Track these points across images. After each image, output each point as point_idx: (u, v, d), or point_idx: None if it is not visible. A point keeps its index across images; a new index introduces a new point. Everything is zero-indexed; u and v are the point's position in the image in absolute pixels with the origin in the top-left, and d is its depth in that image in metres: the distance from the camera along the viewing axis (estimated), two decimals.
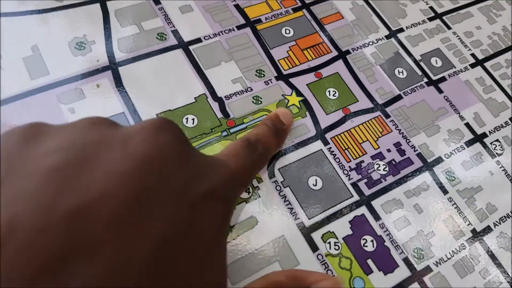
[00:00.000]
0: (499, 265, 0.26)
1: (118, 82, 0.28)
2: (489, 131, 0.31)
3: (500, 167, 0.29)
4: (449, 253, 0.26)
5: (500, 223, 0.28)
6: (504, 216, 0.28)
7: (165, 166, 0.15)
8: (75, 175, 0.13)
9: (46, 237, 0.12)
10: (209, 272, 0.16)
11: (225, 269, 0.18)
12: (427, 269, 0.25)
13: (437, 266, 0.25)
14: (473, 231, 0.27)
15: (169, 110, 0.28)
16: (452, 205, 0.27)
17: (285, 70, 0.31)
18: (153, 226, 0.14)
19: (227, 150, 0.22)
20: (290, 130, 0.28)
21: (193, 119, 0.28)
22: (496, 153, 0.30)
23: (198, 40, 0.31)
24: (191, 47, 0.30)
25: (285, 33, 0.32)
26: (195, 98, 0.29)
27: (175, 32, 0.31)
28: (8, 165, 0.14)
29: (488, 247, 0.27)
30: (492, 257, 0.26)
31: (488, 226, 0.27)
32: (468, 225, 0.27)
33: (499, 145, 0.30)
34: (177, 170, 0.16)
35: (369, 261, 0.25)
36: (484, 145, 0.30)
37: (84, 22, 0.30)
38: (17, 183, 0.13)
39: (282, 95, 0.30)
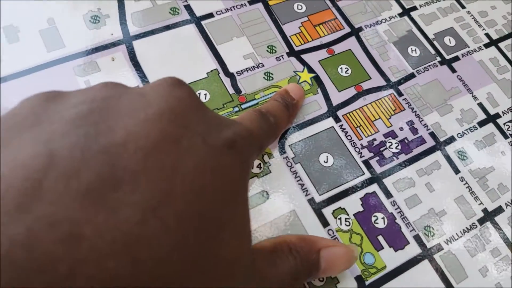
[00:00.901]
0: (510, 245, 0.26)
1: (132, 56, 0.28)
2: (502, 112, 0.30)
3: None
4: (460, 231, 0.26)
5: (511, 204, 0.27)
6: None
7: (185, 115, 0.16)
8: (101, 120, 0.14)
9: (87, 167, 0.12)
10: (234, 213, 0.16)
11: (248, 217, 0.18)
12: (438, 247, 0.25)
13: (448, 244, 0.25)
14: (485, 210, 0.27)
15: None
16: (464, 184, 0.27)
17: (297, 46, 0.30)
18: (186, 161, 0.14)
19: (240, 117, 0.22)
20: (301, 105, 0.28)
21: (205, 94, 0.28)
22: (509, 133, 0.30)
23: (210, 15, 0.30)
24: (203, 22, 0.30)
25: (297, 8, 0.32)
26: (207, 73, 0.28)
27: (188, 7, 0.30)
28: (35, 116, 0.14)
29: (500, 227, 0.26)
30: (503, 237, 0.26)
31: (500, 207, 0.27)
32: (479, 204, 0.27)
33: None
34: (197, 119, 0.16)
35: (380, 238, 0.25)
36: (497, 126, 0.30)
37: None
38: (47, 128, 0.13)
39: (294, 71, 0.29)
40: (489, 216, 0.27)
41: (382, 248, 0.25)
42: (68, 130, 0.13)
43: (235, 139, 0.17)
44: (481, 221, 0.26)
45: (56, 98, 0.15)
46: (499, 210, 0.27)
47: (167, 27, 0.29)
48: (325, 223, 0.25)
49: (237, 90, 0.28)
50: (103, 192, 0.12)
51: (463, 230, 0.26)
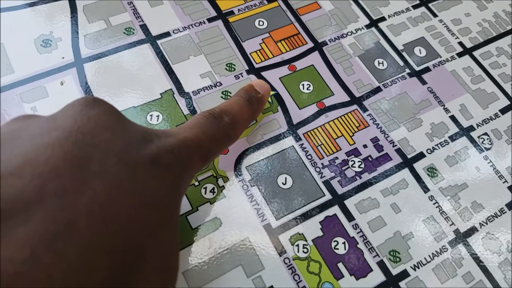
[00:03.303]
0: (484, 269, 0.24)
1: (82, 79, 0.27)
2: (476, 124, 0.29)
3: (488, 163, 0.27)
4: (429, 256, 0.24)
5: (486, 223, 0.25)
6: (492, 216, 0.26)
7: (96, 134, 0.14)
8: (2, 151, 0.13)
9: None
10: (158, 242, 0.15)
11: (175, 247, 0.16)
12: (404, 274, 0.23)
13: (415, 270, 0.24)
14: (456, 231, 0.25)
15: (133, 107, 0.27)
16: (434, 204, 0.26)
17: (257, 64, 0.29)
18: (94, 184, 0.13)
19: (185, 123, 0.20)
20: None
21: (157, 116, 0.27)
22: (484, 147, 0.28)
23: (167, 34, 0.30)
24: (159, 41, 0.29)
25: (259, 24, 0.31)
26: (160, 94, 0.27)
27: (143, 27, 0.30)
28: None
29: (473, 250, 0.25)
30: (477, 260, 0.24)
31: (474, 227, 0.25)
32: (450, 225, 0.25)
33: (487, 139, 0.28)
34: (112, 137, 0.15)
35: (340, 265, 0.23)
36: (471, 139, 0.28)
37: (51, 19, 0.29)
38: None
39: None
40: (461, 237, 0.25)
41: (343, 276, 0.23)
42: None
43: (160, 154, 0.16)
44: (453, 243, 0.25)
45: None
46: (472, 230, 0.25)
47: (121, 48, 0.28)
48: (281, 251, 0.23)
49: (192, 111, 0.27)
50: None
51: (432, 254, 0.24)
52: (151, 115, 0.26)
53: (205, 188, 0.25)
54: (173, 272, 0.16)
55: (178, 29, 0.30)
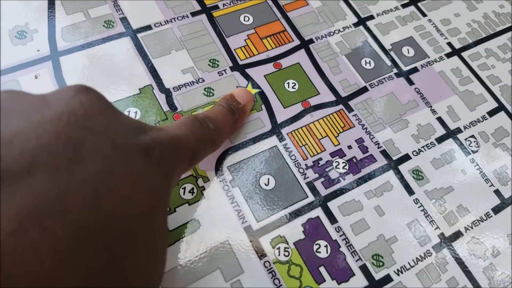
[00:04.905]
0: (469, 274, 0.24)
1: (58, 72, 0.26)
2: (463, 126, 0.28)
3: (475, 166, 0.27)
4: (413, 260, 0.23)
5: (472, 227, 0.25)
6: (477, 220, 0.25)
7: (90, 118, 0.14)
8: None
9: None
10: (150, 230, 0.14)
11: (165, 239, 0.16)
12: (387, 279, 0.23)
13: (398, 275, 0.23)
14: (441, 236, 0.24)
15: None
16: (419, 207, 0.25)
17: (241, 60, 0.28)
18: (87, 165, 0.12)
19: (172, 123, 0.20)
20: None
21: (135, 112, 0.26)
22: (471, 150, 0.27)
23: (148, 28, 0.28)
24: (139, 35, 0.28)
25: (244, 20, 0.30)
26: (139, 89, 0.26)
27: (124, 20, 0.29)
28: None
29: (458, 254, 0.24)
30: (462, 265, 0.24)
31: (459, 231, 0.25)
32: (435, 229, 0.25)
33: (474, 141, 0.28)
34: (106, 123, 0.14)
35: (322, 269, 0.22)
36: (458, 142, 0.28)
37: (27, 10, 0.28)
38: None
39: (237, 86, 0.27)
40: (446, 241, 0.24)
41: (324, 281, 0.22)
42: None
43: (153, 146, 0.15)
44: (437, 247, 0.24)
45: None
46: (457, 235, 0.25)
47: (99, 41, 0.27)
48: (262, 254, 0.22)
49: (173, 107, 0.26)
50: None
51: (416, 258, 0.24)
52: (129, 111, 0.25)
53: (184, 188, 0.24)
54: (161, 265, 0.16)
55: (160, 22, 0.29)
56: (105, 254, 0.12)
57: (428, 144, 0.27)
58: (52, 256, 0.11)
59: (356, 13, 0.32)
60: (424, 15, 0.33)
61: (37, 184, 0.11)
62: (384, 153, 0.26)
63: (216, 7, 0.30)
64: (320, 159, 0.25)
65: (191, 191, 0.24)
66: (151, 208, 0.14)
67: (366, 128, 0.27)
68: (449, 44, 0.32)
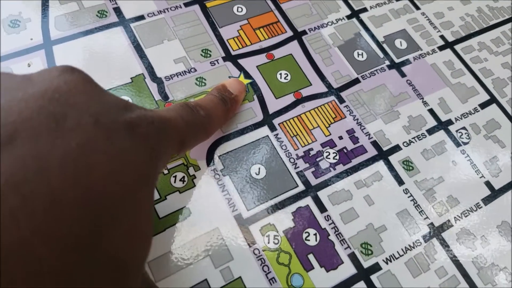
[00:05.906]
0: (457, 264, 0.24)
1: (50, 61, 0.26)
2: (455, 118, 0.28)
3: (466, 157, 0.27)
4: (402, 249, 0.24)
5: (461, 218, 0.25)
6: (467, 210, 0.25)
7: (73, 95, 0.14)
8: None
9: None
10: (133, 205, 0.14)
11: (150, 217, 0.16)
12: (376, 267, 0.23)
13: (387, 263, 0.23)
14: (431, 225, 0.25)
15: None
16: (408, 197, 0.25)
17: (234, 51, 0.28)
18: (68, 139, 0.13)
19: (162, 109, 0.20)
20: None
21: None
22: (462, 141, 0.28)
23: (141, 17, 0.29)
24: (132, 25, 0.28)
25: (237, 11, 0.30)
26: (131, 78, 0.26)
27: (117, 9, 0.29)
28: None
29: (447, 244, 0.24)
30: (451, 255, 0.24)
31: (448, 221, 0.25)
32: (425, 219, 0.25)
33: (465, 133, 0.28)
34: (89, 100, 0.14)
35: (311, 256, 0.23)
36: (449, 133, 0.28)
37: None
38: None
39: (229, 76, 0.27)
40: (435, 232, 0.24)
41: (313, 268, 0.22)
42: None
43: (139, 123, 0.15)
44: (426, 237, 0.24)
45: None
46: (447, 225, 0.25)
47: (92, 31, 0.27)
48: (251, 241, 0.23)
49: (164, 97, 0.26)
50: None
51: (405, 248, 0.24)
52: None
53: (175, 176, 0.24)
54: (145, 239, 0.15)
55: (153, 12, 0.29)
56: (83, 226, 0.12)
57: (419, 135, 0.27)
58: (29, 223, 0.11)
59: (349, 6, 0.32)
60: (418, 8, 0.33)
61: (18, 152, 0.11)
62: (375, 144, 0.26)
63: None
64: (311, 149, 0.26)
65: (182, 179, 0.24)
66: (135, 182, 0.14)
67: (358, 119, 0.27)
68: (442, 37, 0.32)
